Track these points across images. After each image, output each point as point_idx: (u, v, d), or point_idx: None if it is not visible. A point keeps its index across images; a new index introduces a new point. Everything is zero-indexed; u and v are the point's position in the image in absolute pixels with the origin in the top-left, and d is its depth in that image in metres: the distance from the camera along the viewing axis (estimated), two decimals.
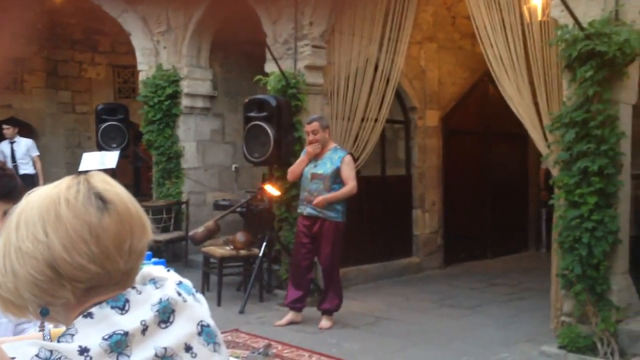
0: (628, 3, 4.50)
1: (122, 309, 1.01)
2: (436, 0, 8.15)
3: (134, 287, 1.05)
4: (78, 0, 9.32)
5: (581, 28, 4.46)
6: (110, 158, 8.58)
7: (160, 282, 1.09)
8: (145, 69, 8.92)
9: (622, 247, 4.68)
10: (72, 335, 0.97)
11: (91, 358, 0.95)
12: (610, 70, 4.43)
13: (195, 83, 8.79)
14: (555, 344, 4.73)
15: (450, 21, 8.66)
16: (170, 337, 1.03)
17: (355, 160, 6.23)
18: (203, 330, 1.09)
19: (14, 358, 0.94)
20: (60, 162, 11.30)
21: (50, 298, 1.00)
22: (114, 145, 9.00)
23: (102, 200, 1.02)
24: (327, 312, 5.78)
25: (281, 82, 6.77)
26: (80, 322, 0.99)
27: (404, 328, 5.74)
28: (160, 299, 1.04)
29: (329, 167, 5.66)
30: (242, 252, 6.70)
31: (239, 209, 7.80)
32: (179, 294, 1.08)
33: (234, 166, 9.28)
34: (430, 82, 8.48)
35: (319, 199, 5.58)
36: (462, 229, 8.93)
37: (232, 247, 6.71)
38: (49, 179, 10.11)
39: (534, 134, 5.28)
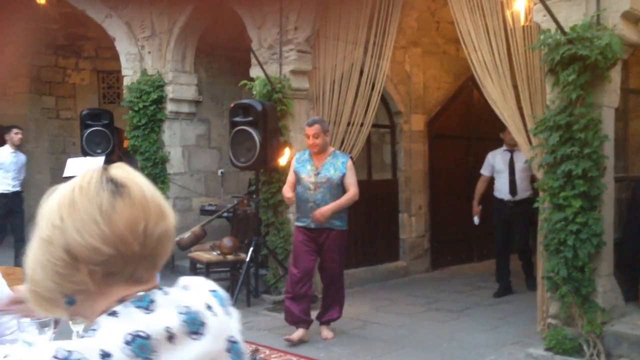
0: (609, 8, 4.55)
1: (147, 308, 1.01)
2: (420, 5, 8.20)
3: (160, 288, 1.06)
4: (61, 5, 9.26)
5: (563, 33, 4.50)
6: (95, 164, 8.50)
7: (191, 287, 1.10)
8: (129, 74, 8.89)
9: (607, 250, 4.72)
10: (95, 330, 0.98)
11: None
12: (592, 74, 4.48)
13: (180, 88, 8.76)
14: (542, 346, 4.76)
15: (434, 26, 8.71)
16: (200, 350, 1.03)
17: None
18: (232, 347, 1.08)
19: None
20: (44, 168, 11.21)
21: (70, 284, 1.02)
22: (99, 151, 8.95)
23: (115, 184, 1.04)
24: (328, 322, 5.61)
25: (266, 87, 6.77)
26: (103, 318, 1.00)
27: (391, 332, 5.74)
28: (188, 307, 1.04)
29: (333, 174, 5.33)
30: (229, 257, 6.68)
31: (225, 214, 7.78)
32: (209, 307, 1.08)
33: (220, 171, 9.25)
34: (415, 86, 8.52)
35: (321, 211, 5.23)
36: (449, 232, 8.97)
37: (219, 252, 6.68)
38: (32, 186, 9.85)
39: (519, 137, 5.32)
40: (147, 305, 1.01)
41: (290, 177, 5.56)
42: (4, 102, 10.89)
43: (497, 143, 7.31)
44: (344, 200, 5.32)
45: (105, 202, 1.01)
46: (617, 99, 4.84)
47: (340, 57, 6.95)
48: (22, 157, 8.44)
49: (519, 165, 6.95)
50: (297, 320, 5.38)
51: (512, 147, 6.93)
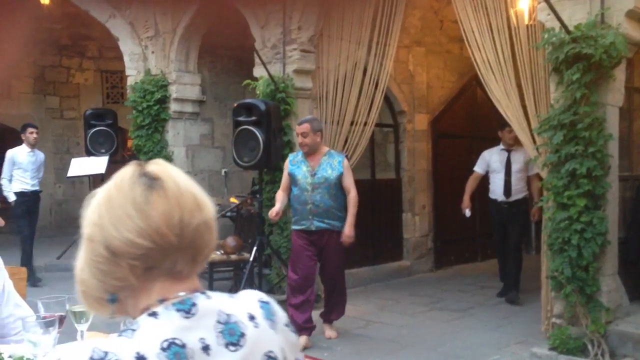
0: (613, 6, 4.54)
1: (188, 312, 1.01)
2: (424, 4, 8.19)
3: (203, 292, 1.06)
4: (65, 5, 9.28)
5: (567, 31, 4.49)
6: (99, 163, 8.52)
7: (239, 296, 1.11)
8: (133, 74, 8.89)
9: (611, 249, 4.71)
10: (134, 330, 0.98)
11: None
12: (596, 73, 4.47)
13: (184, 88, 8.77)
14: (546, 346, 4.75)
15: (438, 25, 8.70)
16: None
17: None
18: None
19: None
20: (48, 168, 11.20)
21: (113, 280, 1.03)
22: (103, 151, 8.97)
23: (149, 178, 1.05)
24: (331, 322, 5.60)
25: (270, 87, 6.77)
26: (144, 319, 1.00)
27: (394, 331, 5.74)
28: (229, 316, 1.04)
29: (331, 174, 5.26)
30: (233, 256, 6.68)
31: (229, 214, 7.78)
32: (252, 317, 1.08)
33: (223, 171, 9.25)
34: (418, 86, 8.52)
35: (347, 234, 5.25)
36: (452, 232, 8.95)
37: (222, 251, 6.69)
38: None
39: (523, 136, 5.31)
40: (188, 309, 1.01)
41: (285, 179, 5.50)
42: (8, 102, 10.92)
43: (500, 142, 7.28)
44: (353, 208, 5.31)
45: (139, 196, 1.03)
46: (622, 97, 4.83)
47: (343, 56, 6.95)
48: (40, 156, 8.32)
49: (515, 166, 6.83)
50: (300, 328, 5.25)
51: (510, 147, 6.88)
